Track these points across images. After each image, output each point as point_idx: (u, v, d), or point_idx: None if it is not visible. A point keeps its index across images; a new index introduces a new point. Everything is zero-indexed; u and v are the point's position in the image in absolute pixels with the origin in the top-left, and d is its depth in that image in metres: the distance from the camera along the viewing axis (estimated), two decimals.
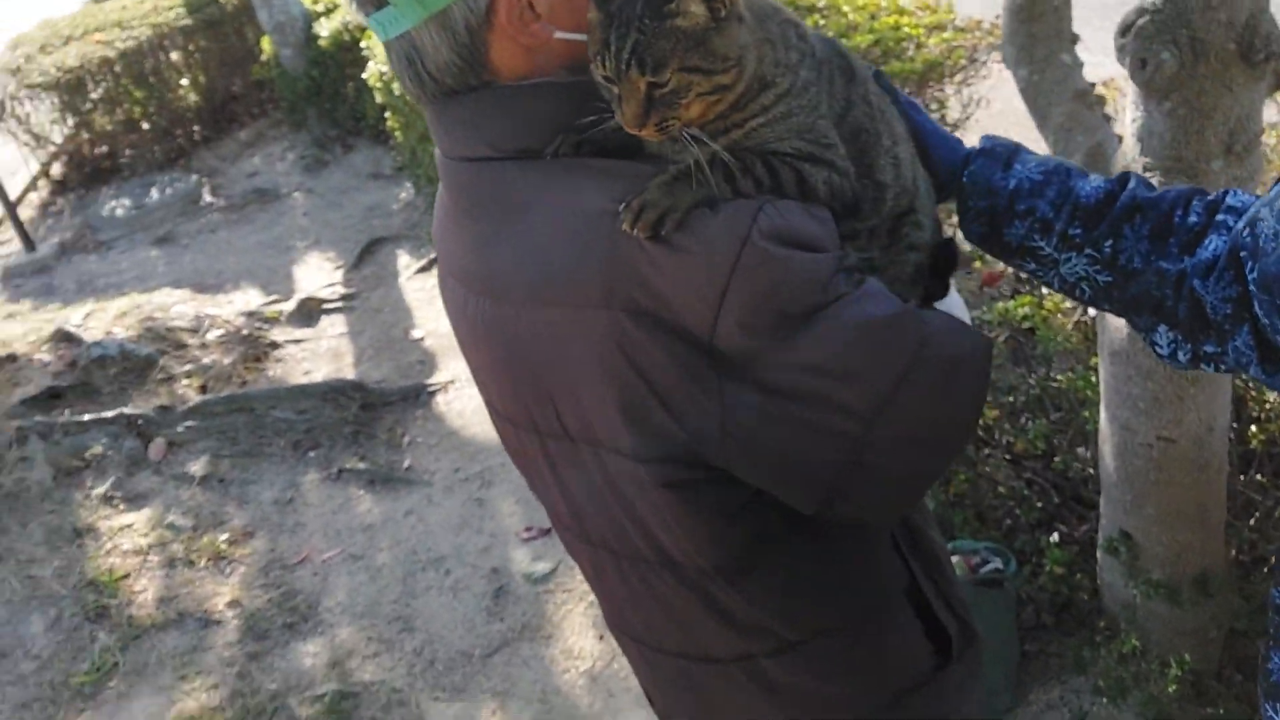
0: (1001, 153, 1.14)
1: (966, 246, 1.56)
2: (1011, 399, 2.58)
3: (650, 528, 1.03)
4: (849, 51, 1.09)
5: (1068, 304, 2.44)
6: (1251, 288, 0.90)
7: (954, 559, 2.41)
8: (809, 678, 1.11)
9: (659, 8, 0.88)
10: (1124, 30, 1.59)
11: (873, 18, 4.04)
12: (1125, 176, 1.10)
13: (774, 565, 1.06)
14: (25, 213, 6.80)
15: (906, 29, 3.87)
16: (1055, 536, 2.38)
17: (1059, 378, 2.52)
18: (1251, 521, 2.31)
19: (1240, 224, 0.94)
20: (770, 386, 0.93)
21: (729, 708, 1.16)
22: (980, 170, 1.13)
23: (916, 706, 1.17)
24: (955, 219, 1.19)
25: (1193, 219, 1.02)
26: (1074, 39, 2.13)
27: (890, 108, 1.10)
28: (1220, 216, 1.00)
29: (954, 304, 1.13)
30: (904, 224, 1.07)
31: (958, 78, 3.98)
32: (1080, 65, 2.06)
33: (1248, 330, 0.94)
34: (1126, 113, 1.70)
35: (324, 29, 6.66)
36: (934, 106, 3.90)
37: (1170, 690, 2.17)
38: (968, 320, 1.12)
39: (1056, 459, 2.39)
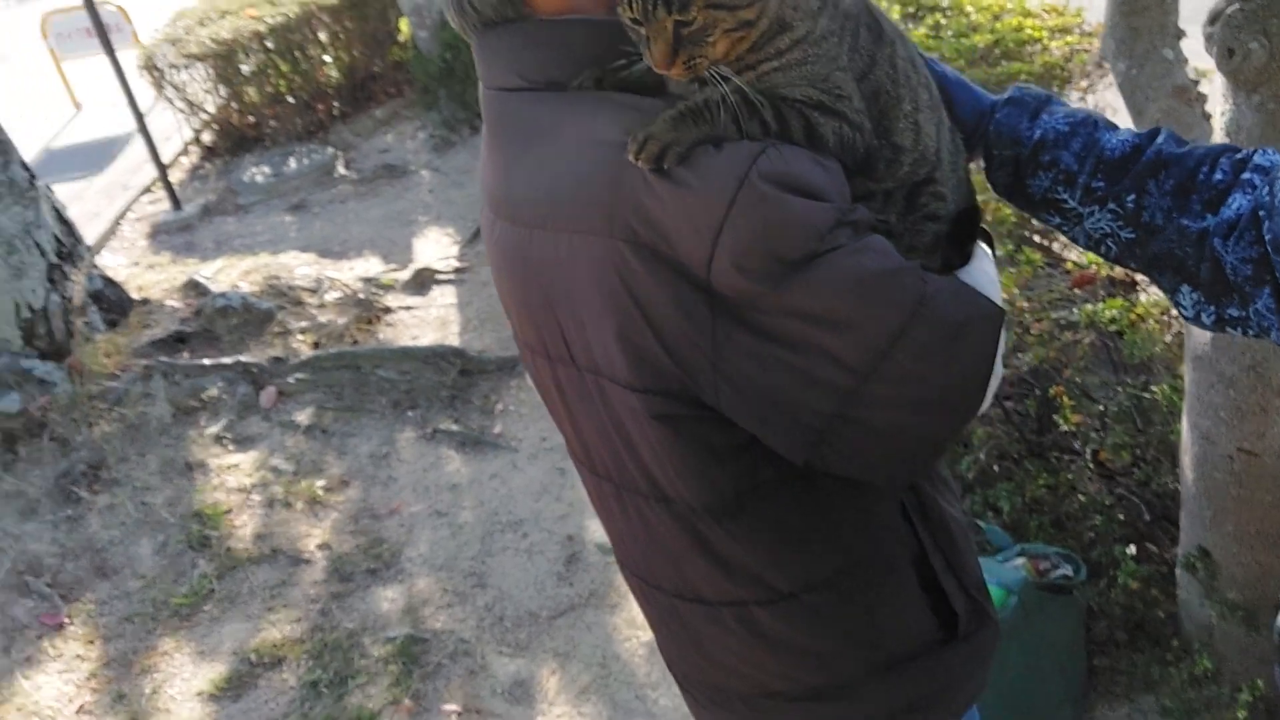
0: (1030, 102, 1.12)
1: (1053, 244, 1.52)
2: (1102, 407, 2.51)
3: (644, 460, 1.05)
4: (881, 12, 1.08)
5: (1160, 309, 2.36)
6: (1268, 248, 0.89)
7: (1020, 560, 2.37)
8: (800, 632, 1.11)
9: None
10: (1213, 19, 1.54)
11: (996, 18, 3.96)
12: (1155, 131, 1.07)
13: (763, 512, 1.06)
14: (176, 175, 7.24)
15: (1029, 31, 3.78)
16: (1132, 549, 2.31)
17: (1153, 388, 2.44)
18: None
19: (1262, 182, 0.92)
20: (762, 330, 0.93)
21: (722, 653, 1.17)
22: (1006, 119, 1.11)
23: (912, 675, 1.15)
24: (982, 168, 1.17)
25: (1218, 176, 0.99)
26: (1179, 34, 2.06)
27: (917, 74, 1.08)
28: (1247, 175, 0.98)
29: (976, 273, 1.09)
30: (922, 193, 1.06)
31: (1082, 83, 3.87)
32: (1183, 61, 2.00)
33: (1269, 293, 0.91)
34: (1215, 106, 1.65)
35: None
36: None
37: (1240, 716, 2.09)
38: (996, 292, 1.10)
39: (1138, 472, 2.32)
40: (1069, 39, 3.72)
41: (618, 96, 1.00)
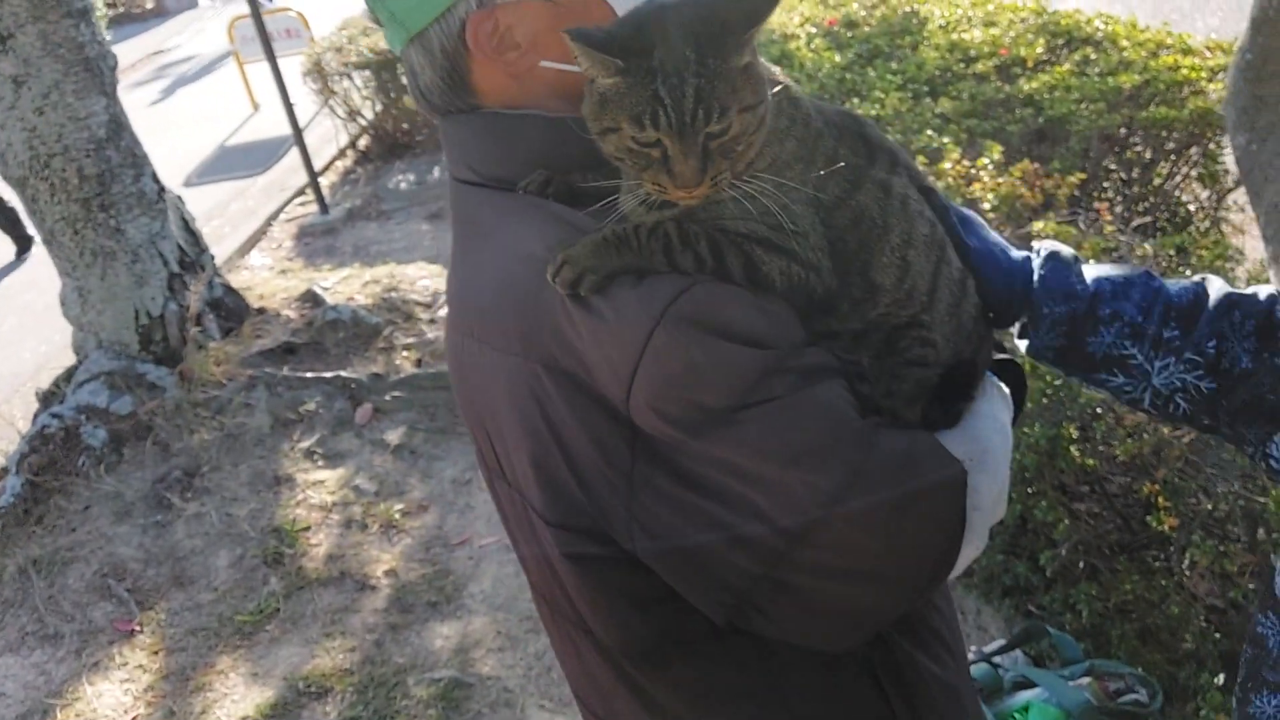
0: (1069, 257, 1.01)
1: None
2: (1210, 506, 2.19)
3: (569, 590, 0.98)
4: (876, 131, 0.98)
5: None
6: None
7: (1086, 680, 2.08)
8: None
9: (725, 46, 0.80)
10: None
11: (1152, 55, 3.57)
12: (1202, 279, 0.97)
13: (693, 666, 0.96)
14: (330, 178, 7.54)
15: (1186, 71, 3.38)
16: (1220, 679, 1.99)
17: (1273, 493, 2.10)
18: None
19: None
20: (686, 475, 0.85)
21: None
22: (1053, 275, 1.00)
23: None
24: (1020, 341, 1.04)
25: None
26: None
27: (916, 206, 0.96)
28: None
29: (974, 435, 0.94)
30: (905, 336, 0.94)
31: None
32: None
33: None
34: None
35: None
36: (1203, 162, 3.38)
37: None
38: (1003, 442, 0.96)
39: (1243, 584, 2.00)
40: None
41: (554, 207, 0.92)
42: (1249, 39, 1.68)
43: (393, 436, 3.93)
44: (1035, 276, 1.00)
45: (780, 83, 0.90)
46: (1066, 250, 1.01)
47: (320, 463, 3.82)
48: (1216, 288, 0.95)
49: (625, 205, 0.91)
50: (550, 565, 0.97)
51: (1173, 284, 0.97)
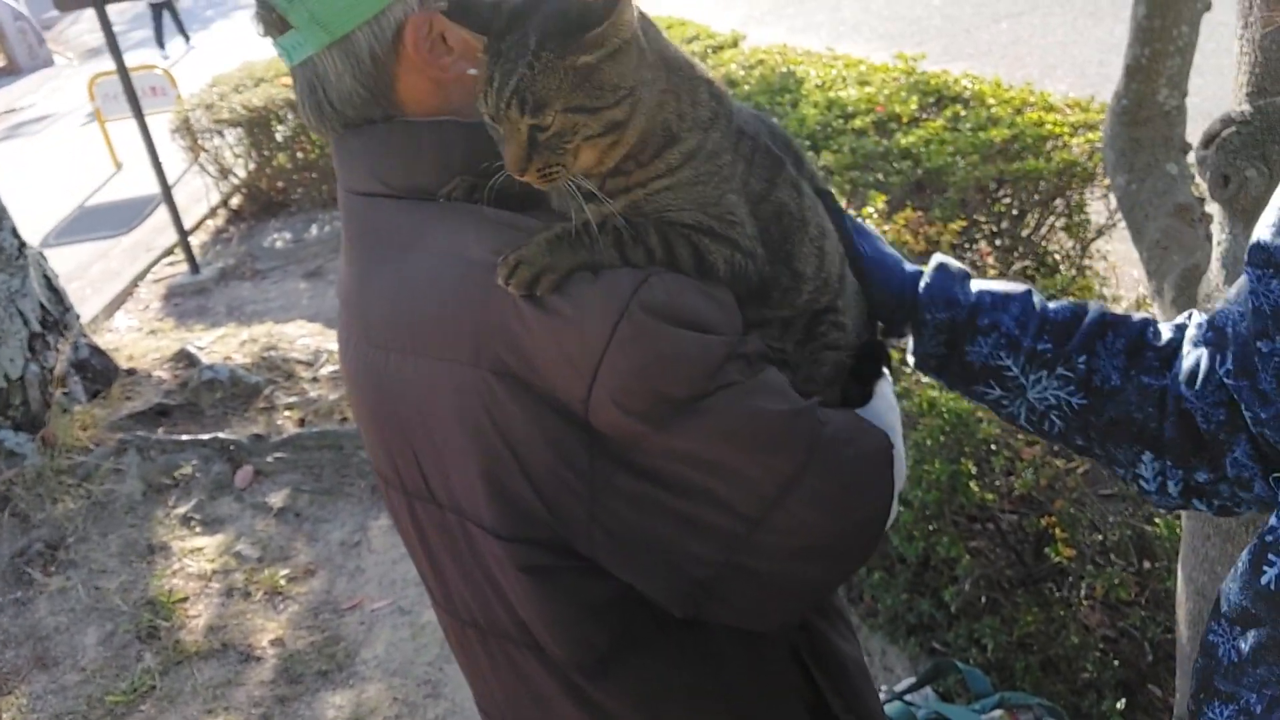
0: (957, 271, 1.05)
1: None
2: (1101, 537, 2.27)
3: (514, 606, 0.96)
4: (785, 133, 1.02)
5: None
6: (1228, 380, 0.83)
7: (998, 713, 2.11)
8: None
9: (565, 43, 0.81)
10: (1206, 142, 1.37)
11: (1018, 112, 3.78)
12: (1085, 303, 1.02)
13: (643, 667, 0.98)
14: (201, 238, 7.27)
15: (1050, 126, 3.59)
16: (1122, 703, 2.04)
17: (1157, 521, 2.20)
18: None
19: (1205, 328, 0.90)
20: (645, 471, 0.86)
21: None
22: (938, 283, 1.04)
23: None
24: (908, 347, 1.07)
25: (1168, 335, 0.96)
26: (1185, 148, 1.87)
27: (819, 203, 1.01)
28: (1192, 332, 0.94)
29: (878, 412, 1.02)
30: (823, 321, 0.99)
31: (1105, 181, 3.65)
32: (1189, 178, 1.80)
33: (1245, 439, 0.84)
34: (1214, 235, 1.45)
35: None
36: (1068, 213, 3.58)
37: None
38: (896, 418, 1.04)
39: (1142, 611, 2.07)
40: (1091, 135, 3.51)
41: (487, 212, 0.91)
42: (1124, 85, 1.78)
43: (276, 499, 3.76)
44: (921, 284, 1.04)
45: (704, 78, 0.92)
46: (956, 264, 1.05)
47: (198, 529, 3.61)
48: (1094, 308, 1.00)
49: (555, 204, 0.92)
50: (492, 583, 0.96)
51: (1053, 304, 1.01)
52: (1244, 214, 1.37)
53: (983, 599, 2.35)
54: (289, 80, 7.02)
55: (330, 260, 6.56)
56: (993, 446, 2.33)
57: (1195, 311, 0.95)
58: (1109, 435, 0.96)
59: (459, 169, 0.93)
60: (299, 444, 3.96)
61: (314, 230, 7.00)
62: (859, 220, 1.10)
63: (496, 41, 0.83)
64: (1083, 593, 2.22)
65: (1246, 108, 1.31)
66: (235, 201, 7.68)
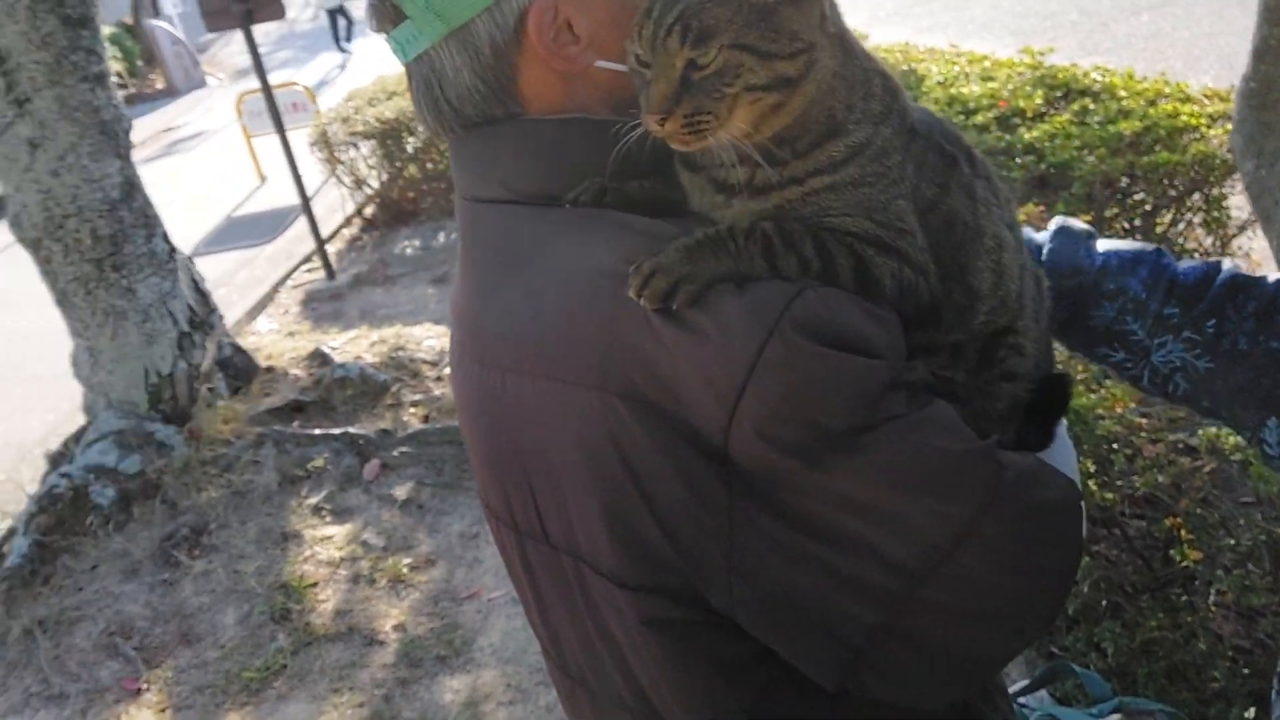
0: (1079, 232, 1.01)
1: None
2: (1233, 540, 2.16)
3: (632, 669, 0.85)
4: (958, 133, 0.91)
5: None
6: None
7: (1115, 716, 2.03)
8: None
9: None
10: None
11: (1151, 104, 3.64)
12: (1217, 262, 0.96)
13: None
14: (336, 246, 7.62)
15: (1186, 117, 3.44)
16: (1251, 712, 1.94)
17: None
18: None
19: None
20: (793, 515, 0.74)
21: None
22: (1062, 248, 0.99)
23: None
24: None
25: None
26: None
27: (1001, 209, 0.90)
28: None
29: (1057, 457, 0.89)
30: (1000, 346, 0.88)
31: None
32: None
33: None
34: None
35: None
36: (1205, 208, 3.42)
37: None
38: (1073, 465, 0.91)
39: (1268, 621, 1.97)
40: (1229, 126, 3.34)
41: (621, 216, 0.82)
42: (1252, 68, 1.71)
43: (400, 491, 3.91)
44: (1044, 251, 1.00)
45: (879, 69, 0.84)
46: (1079, 225, 1.01)
47: (328, 519, 3.79)
48: (1226, 269, 0.95)
49: (696, 204, 0.84)
50: (608, 639, 0.86)
51: (1183, 264, 0.97)
52: None
53: (1103, 602, 2.27)
54: None
55: (455, 267, 6.77)
56: (1113, 445, 2.25)
57: None
58: (1235, 399, 0.92)
59: (587, 171, 0.84)
60: (423, 439, 4.11)
61: (441, 238, 7.24)
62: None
63: None
64: (1211, 599, 2.12)
65: None
66: (369, 211, 8.00)
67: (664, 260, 0.74)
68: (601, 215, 0.83)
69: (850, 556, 0.74)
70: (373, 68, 9.53)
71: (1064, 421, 0.95)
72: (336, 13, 17.61)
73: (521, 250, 0.86)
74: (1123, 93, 3.77)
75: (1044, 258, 0.99)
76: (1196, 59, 7.08)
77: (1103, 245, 0.99)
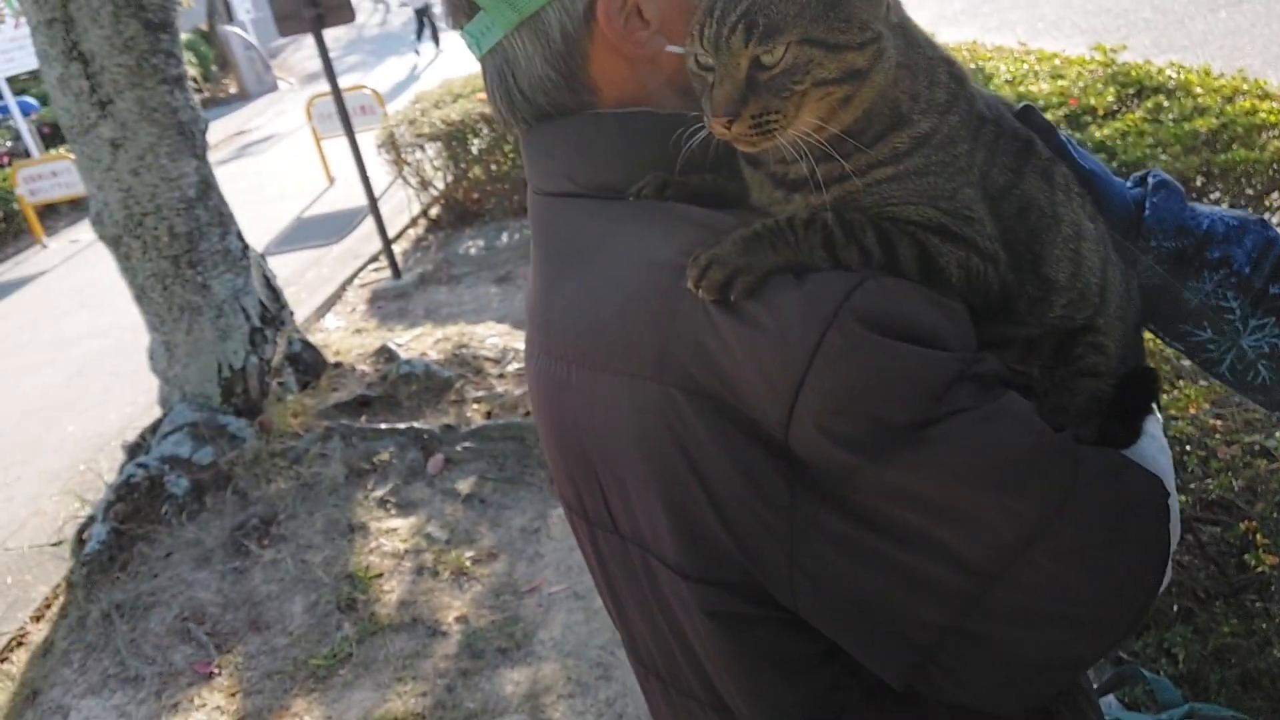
0: (1181, 189, 0.91)
1: None
2: None
3: (699, 659, 0.85)
4: (1034, 112, 0.88)
5: None
6: None
7: None
8: None
9: None
10: None
11: (1228, 100, 3.54)
12: None
13: None
14: (402, 246, 7.74)
15: (1264, 115, 3.34)
16: None
17: None
18: None
19: None
20: (857, 512, 0.72)
21: None
22: (1166, 204, 0.90)
23: None
24: None
25: None
26: None
27: (1081, 197, 0.87)
28: None
29: (1147, 455, 0.84)
30: (1079, 342, 0.84)
31: None
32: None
33: None
34: None
35: None
36: None
37: None
38: (1167, 462, 0.86)
39: None
40: None
41: (681, 208, 0.81)
42: None
43: (463, 486, 3.96)
44: (1148, 204, 0.90)
45: (944, 57, 0.82)
46: (1177, 184, 0.91)
47: (393, 511, 3.86)
48: None
49: (756, 199, 0.83)
50: (676, 630, 0.85)
51: None
52: None
53: (1174, 607, 2.22)
54: (484, 95, 7.41)
55: (519, 266, 6.85)
56: (1186, 447, 2.20)
57: None
58: None
59: (650, 164, 0.84)
60: (485, 435, 4.16)
61: (504, 238, 7.32)
62: (1065, 134, 0.93)
63: None
64: None
65: None
66: (434, 211, 8.13)
67: (721, 251, 0.73)
68: (663, 208, 0.82)
69: (917, 555, 0.72)
70: (440, 73, 9.67)
71: (1158, 418, 0.89)
72: (422, 12, 18.51)
73: (585, 243, 0.86)
74: (1198, 90, 3.68)
75: (1147, 214, 0.90)
76: (1277, 56, 6.88)
77: (1203, 210, 0.90)
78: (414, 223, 8.16)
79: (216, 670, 3.21)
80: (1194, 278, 0.88)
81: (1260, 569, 2.05)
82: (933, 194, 0.77)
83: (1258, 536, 2.06)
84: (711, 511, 0.76)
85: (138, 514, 3.85)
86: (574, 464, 0.89)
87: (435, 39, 18.95)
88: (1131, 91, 3.92)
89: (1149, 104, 3.74)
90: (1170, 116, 3.55)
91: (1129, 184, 0.93)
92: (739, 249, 0.73)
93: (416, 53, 18.60)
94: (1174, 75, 3.87)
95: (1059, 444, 0.73)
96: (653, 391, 0.76)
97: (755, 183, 0.82)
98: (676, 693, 0.91)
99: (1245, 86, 3.63)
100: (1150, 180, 0.92)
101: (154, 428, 4.29)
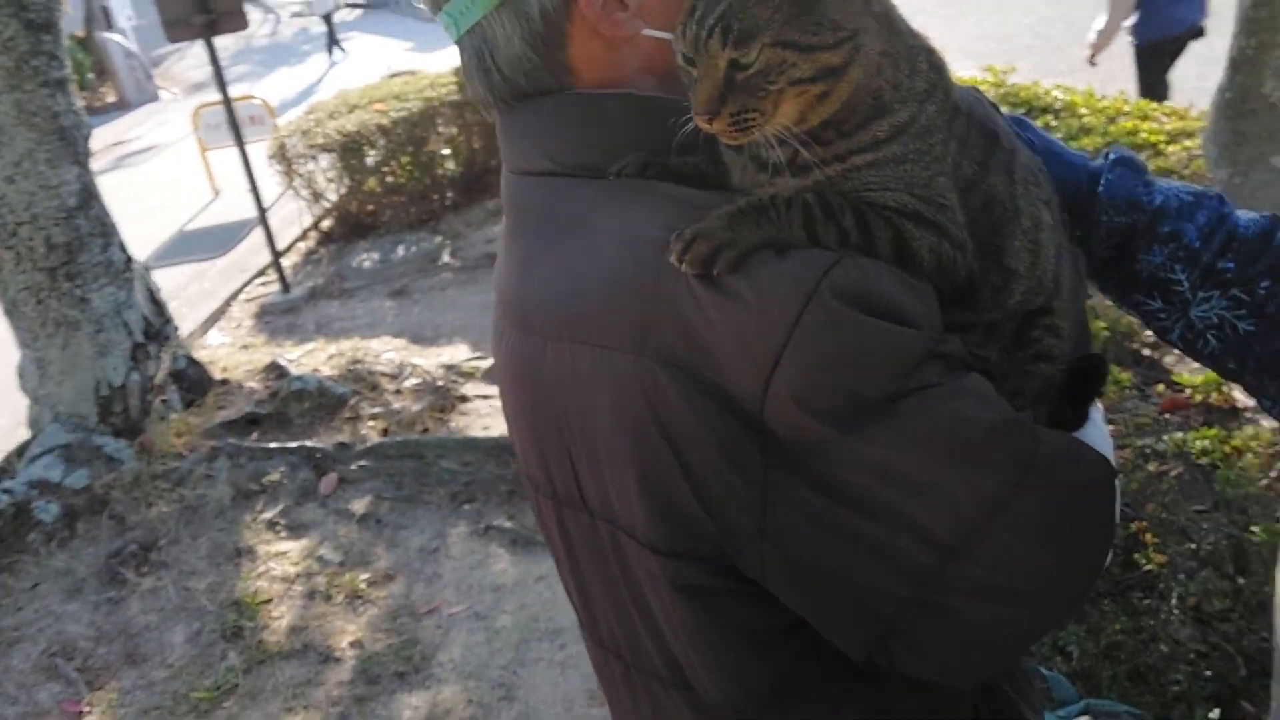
0: (1140, 165, 0.94)
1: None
2: (1194, 545, 2.17)
3: (665, 637, 0.86)
4: (995, 110, 0.91)
5: (1262, 442, 2.02)
6: None
7: (1083, 718, 2.03)
8: None
9: None
10: None
11: (1111, 120, 3.68)
12: (1276, 215, 0.90)
13: (808, 716, 0.86)
14: (292, 259, 7.51)
15: (1145, 134, 3.48)
16: (1216, 713, 1.94)
17: (1254, 529, 2.09)
18: None
19: None
20: (827, 484, 0.75)
21: None
22: (1121, 180, 0.93)
23: None
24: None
25: None
26: None
27: (1040, 188, 0.90)
28: None
29: (1092, 438, 0.88)
30: (1035, 326, 0.88)
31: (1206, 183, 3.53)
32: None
33: None
34: None
35: None
36: None
37: None
38: (1109, 448, 0.90)
39: (1232, 622, 1.97)
40: (1189, 143, 3.39)
41: (664, 186, 0.83)
42: (1228, 78, 1.73)
43: (358, 506, 3.82)
44: (1102, 180, 0.93)
45: (925, 45, 0.84)
46: (1137, 158, 0.94)
47: (283, 534, 3.69)
48: None
49: (737, 180, 0.84)
50: (642, 607, 0.87)
51: (1243, 214, 0.91)
52: None
53: None
54: (381, 105, 7.20)
55: (415, 279, 6.71)
56: None
57: None
58: (1267, 366, 0.87)
59: (633, 145, 0.86)
60: (381, 453, 4.03)
61: (400, 251, 7.16)
62: (1015, 115, 0.96)
63: None
64: (1174, 602, 2.12)
65: None
66: (326, 224, 7.91)
67: (706, 226, 0.75)
68: (645, 186, 0.84)
69: (883, 526, 0.74)
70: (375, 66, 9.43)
71: (1099, 404, 0.93)
72: (329, 17, 18.76)
73: (566, 220, 0.87)
74: (1084, 110, 3.82)
75: (1100, 189, 0.93)
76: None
77: (1161, 183, 0.93)
78: (305, 235, 7.92)
79: (87, 708, 3.00)
80: (1145, 251, 0.90)
81: (1149, 567, 2.11)
82: (909, 181, 0.79)
83: (1147, 536, 2.12)
84: (685, 484, 0.78)
85: (1, 543, 3.60)
86: (545, 440, 0.90)
87: (330, 48, 18.88)
88: (1021, 111, 4.04)
89: (1038, 124, 3.86)
90: (1058, 135, 3.67)
91: (1101, 158, 0.96)
92: (724, 224, 0.75)
93: (332, 63, 18.68)
94: (1060, 96, 4.01)
95: (1019, 422, 0.75)
96: (632, 364, 0.78)
97: (737, 166, 0.83)
98: (638, 672, 0.92)
99: (1127, 108, 3.79)
100: (1110, 156, 0.95)
101: (20, 450, 4.02)
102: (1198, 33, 5.29)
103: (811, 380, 0.72)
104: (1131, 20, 5.26)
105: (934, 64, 0.83)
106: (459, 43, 0.92)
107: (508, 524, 3.66)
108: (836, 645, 0.80)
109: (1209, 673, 2.02)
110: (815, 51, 0.73)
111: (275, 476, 3.89)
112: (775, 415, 0.74)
